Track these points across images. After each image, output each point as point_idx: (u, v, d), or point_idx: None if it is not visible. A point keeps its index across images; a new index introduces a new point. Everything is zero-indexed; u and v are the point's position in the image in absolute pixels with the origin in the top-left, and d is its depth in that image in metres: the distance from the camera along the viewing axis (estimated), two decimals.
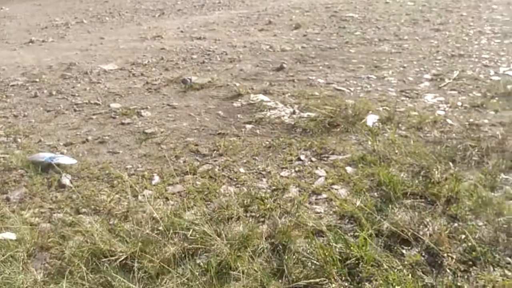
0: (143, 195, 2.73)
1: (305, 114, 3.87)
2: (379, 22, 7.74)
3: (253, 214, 2.49)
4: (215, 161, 3.18)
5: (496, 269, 2.01)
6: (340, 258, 2.06)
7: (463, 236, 2.20)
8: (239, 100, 4.36)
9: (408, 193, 2.56)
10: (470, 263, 2.04)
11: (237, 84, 4.79)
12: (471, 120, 3.61)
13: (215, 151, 3.31)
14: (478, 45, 5.94)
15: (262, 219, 2.44)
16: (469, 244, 2.13)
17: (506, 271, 1.99)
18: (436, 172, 2.72)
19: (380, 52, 5.84)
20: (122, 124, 3.93)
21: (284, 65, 5.43)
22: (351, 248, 2.10)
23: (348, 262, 2.03)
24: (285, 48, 6.35)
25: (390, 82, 4.69)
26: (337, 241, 2.16)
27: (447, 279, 1.96)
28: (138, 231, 2.29)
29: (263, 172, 2.99)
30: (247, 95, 4.44)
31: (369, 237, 2.14)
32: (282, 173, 2.96)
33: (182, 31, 8.05)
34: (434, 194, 2.55)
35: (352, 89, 4.53)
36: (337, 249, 2.11)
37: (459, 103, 3.99)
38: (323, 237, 2.26)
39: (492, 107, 3.86)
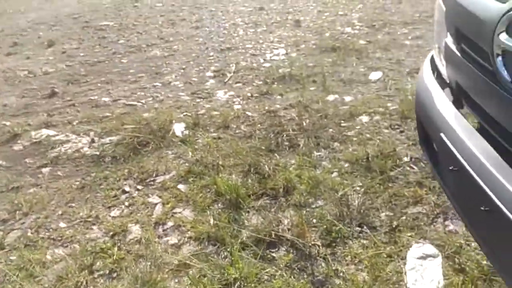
0: None
1: (107, 140, 3.50)
2: (138, 27, 7.58)
3: (102, 272, 2.12)
4: (22, 223, 2.59)
5: (353, 241, 2.18)
6: (221, 286, 1.93)
7: (315, 221, 2.33)
8: (19, 141, 3.66)
9: (251, 195, 2.58)
10: (333, 244, 2.17)
11: (8, 123, 4.01)
12: (266, 108, 3.85)
13: (17, 212, 2.69)
14: (238, 37, 6.39)
15: (115, 275, 2.10)
16: (324, 227, 2.26)
17: (362, 241, 2.18)
18: (266, 166, 2.81)
19: (154, 58, 5.73)
20: None
21: (56, 90, 4.80)
22: (228, 271, 1.98)
23: None
24: (48, 70, 5.63)
25: (178, 87, 4.64)
26: (212, 269, 2.02)
27: (322, 266, 2.04)
28: None
29: (90, 219, 2.57)
30: (26, 134, 3.76)
31: (239, 253, 2.08)
32: (112, 213, 2.61)
33: None
34: (272, 188, 2.62)
35: (143, 101, 4.31)
36: (216, 278, 1.97)
37: (249, 94, 4.22)
38: (191, 269, 2.08)
39: (277, 92, 4.20)
